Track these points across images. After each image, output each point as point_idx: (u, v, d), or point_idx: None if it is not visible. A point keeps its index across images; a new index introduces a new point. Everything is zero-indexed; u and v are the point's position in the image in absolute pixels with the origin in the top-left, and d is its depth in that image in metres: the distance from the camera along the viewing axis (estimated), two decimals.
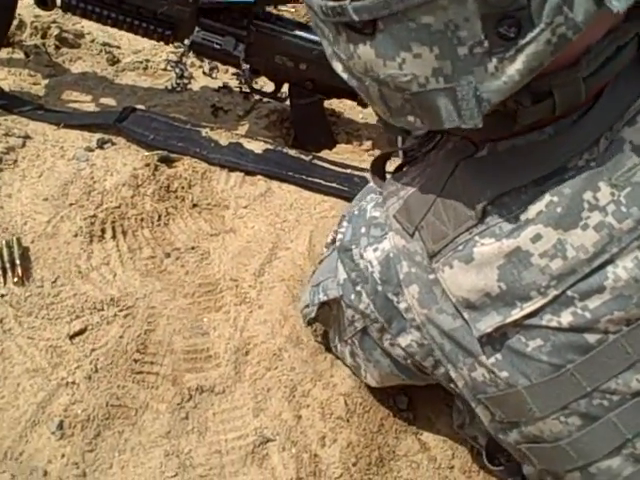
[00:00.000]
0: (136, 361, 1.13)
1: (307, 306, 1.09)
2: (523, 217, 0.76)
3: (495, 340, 0.79)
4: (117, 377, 1.11)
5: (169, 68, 1.69)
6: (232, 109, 1.61)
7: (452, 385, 0.89)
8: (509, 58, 0.67)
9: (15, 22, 1.65)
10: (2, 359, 1.11)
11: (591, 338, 0.75)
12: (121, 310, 1.19)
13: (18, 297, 1.18)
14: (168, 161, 1.43)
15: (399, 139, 0.97)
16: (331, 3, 0.71)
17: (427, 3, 0.65)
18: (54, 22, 1.69)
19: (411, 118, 0.76)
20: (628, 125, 0.75)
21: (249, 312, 1.22)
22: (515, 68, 0.67)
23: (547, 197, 0.75)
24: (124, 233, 1.30)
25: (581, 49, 0.71)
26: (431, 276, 0.81)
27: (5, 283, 1.19)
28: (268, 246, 1.31)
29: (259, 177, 1.44)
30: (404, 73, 0.71)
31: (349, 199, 1.40)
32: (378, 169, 0.98)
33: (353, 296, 0.93)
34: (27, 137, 1.45)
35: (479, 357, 0.80)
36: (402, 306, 0.85)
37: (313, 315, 1.07)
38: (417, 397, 1.14)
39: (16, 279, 1.19)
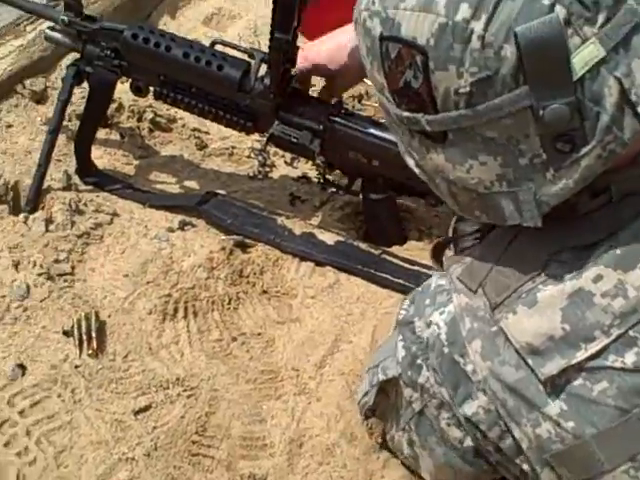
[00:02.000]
0: (194, 443, 1.17)
1: (365, 394, 1.10)
2: (584, 262, 0.80)
3: (559, 387, 0.80)
4: (175, 457, 1.15)
5: (253, 156, 1.78)
6: (309, 199, 1.67)
7: (517, 462, 0.88)
8: (565, 168, 0.76)
9: (115, 105, 1.76)
10: (70, 428, 1.17)
11: None
12: (185, 390, 1.24)
13: (91, 369, 1.24)
14: (243, 246, 1.49)
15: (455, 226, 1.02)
16: (406, 114, 0.80)
17: (492, 121, 0.75)
18: (150, 106, 1.79)
19: (477, 213, 0.85)
20: None
21: (307, 403, 1.25)
22: (570, 177, 0.76)
23: (606, 243, 0.80)
24: (195, 314, 1.36)
25: (637, 150, 0.79)
26: (493, 328, 0.84)
27: (80, 354, 1.26)
28: (331, 338, 1.35)
29: (329, 268, 1.48)
30: (471, 177, 0.80)
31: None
32: (438, 255, 1.05)
33: (410, 372, 0.95)
34: (115, 214, 1.53)
35: (543, 409, 0.81)
36: (469, 368, 0.87)
37: (371, 402, 1.07)
38: None
39: (91, 351, 1.26)
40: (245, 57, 1.53)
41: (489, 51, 0.71)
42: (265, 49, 1.50)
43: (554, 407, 0.80)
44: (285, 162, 1.78)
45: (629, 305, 0.77)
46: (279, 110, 1.52)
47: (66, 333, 1.28)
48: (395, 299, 1.44)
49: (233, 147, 1.79)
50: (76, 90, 1.60)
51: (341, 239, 1.54)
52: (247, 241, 1.51)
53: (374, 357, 1.10)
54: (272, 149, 1.79)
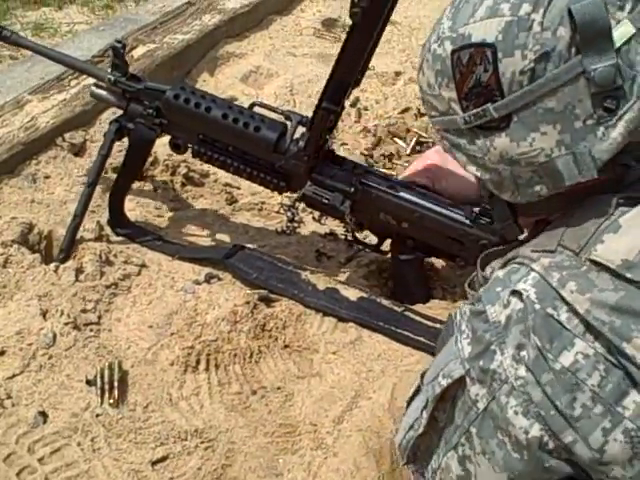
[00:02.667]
0: None
1: (412, 426, 1.07)
2: None
3: None
4: None
5: (282, 211, 1.81)
6: (335, 255, 1.70)
7: (619, 410, 0.88)
8: (612, 125, 0.90)
9: (150, 159, 1.82)
10: (88, 477, 1.18)
11: None
12: (203, 442, 1.25)
13: (111, 418, 1.26)
14: (267, 300, 1.52)
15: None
16: (474, 111, 0.95)
17: (552, 92, 0.90)
18: (184, 161, 1.85)
19: (537, 187, 0.97)
20: None
21: (324, 458, 1.25)
22: (618, 132, 0.90)
23: None
24: (217, 366, 1.38)
25: None
26: (583, 268, 0.90)
27: (102, 403, 1.28)
28: (351, 394, 1.35)
29: (351, 324, 1.49)
30: (534, 149, 0.93)
31: (434, 354, 1.43)
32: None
33: (482, 362, 0.95)
34: (143, 265, 1.57)
35: None
36: (563, 317, 0.89)
37: (422, 430, 1.05)
38: None
39: (112, 401, 1.28)
40: (282, 119, 1.58)
41: (547, 33, 0.88)
42: (300, 108, 1.55)
43: None
44: (313, 218, 1.80)
45: None
46: (312, 172, 1.56)
47: (89, 382, 1.30)
48: (416, 357, 1.44)
49: (262, 202, 1.83)
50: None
51: (364, 295, 1.56)
52: (271, 295, 1.53)
53: (427, 375, 1.07)
54: (301, 205, 1.83)
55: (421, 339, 1.46)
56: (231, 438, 1.27)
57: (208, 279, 1.57)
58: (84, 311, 1.43)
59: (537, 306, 0.92)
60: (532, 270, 0.94)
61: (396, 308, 1.54)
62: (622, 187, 0.96)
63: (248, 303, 1.49)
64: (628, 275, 0.87)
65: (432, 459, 1.09)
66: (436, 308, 1.57)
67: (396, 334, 1.47)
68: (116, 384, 1.30)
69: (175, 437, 1.25)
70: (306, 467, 1.24)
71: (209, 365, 1.38)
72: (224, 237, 1.71)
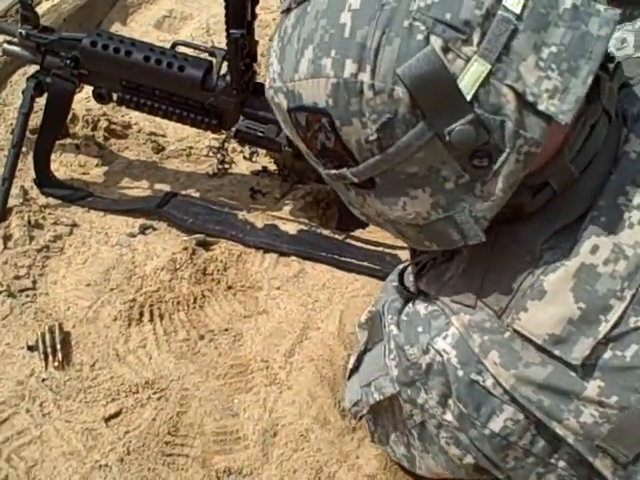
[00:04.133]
0: (167, 443, 1.17)
1: (356, 404, 1.07)
2: (575, 240, 0.80)
3: (592, 367, 0.79)
4: (148, 460, 1.14)
5: (211, 154, 1.77)
6: (270, 192, 1.67)
7: (552, 461, 0.86)
8: (489, 181, 0.77)
9: (69, 116, 1.75)
10: (41, 442, 1.16)
11: None
12: (155, 392, 1.23)
13: (58, 381, 1.24)
14: (206, 244, 1.49)
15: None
16: (333, 172, 0.83)
17: (407, 158, 0.76)
18: (104, 115, 1.78)
19: (427, 244, 0.86)
20: (625, 143, 0.83)
21: (278, 393, 1.25)
22: (497, 188, 0.77)
23: (589, 214, 0.81)
24: (161, 316, 1.35)
25: (558, 142, 0.79)
26: (506, 335, 0.82)
27: (47, 367, 1.25)
28: (299, 326, 1.35)
29: (293, 258, 1.48)
30: (408, 212, 0.81)
31: (381, 278, 1.43)
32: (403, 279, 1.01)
33: (409, 391, 0.93)
34: (74, 225, 1.53)
35: (582, 394, 0.79)
36: (489, 384, 0.84)
37: (364, 412, 1.06)
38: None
39: (56, 363, 1.25)
40: (206, 56, 1.53)
41: (383, 96, 0.73)
42: (216, 48, 1.51)
43: (592, 388, 0.79)
44: (244, 157, 1.77)
45: (632, 264, 0.78)
46: (243, 106, 1.52)
47: (31, 348, 1.27)
48: (361, 282, 1.44)
49: (190, 147, 1.79)
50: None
51: (304, 228, 1.54)
52: (209, 239, 1.50)
53: (362, 374, 1.06)
54: (230, 146, 1.79)
55: (364, 264, 1.46)
56: (183, 385, 1.25)
57: (143, 230, 1.53)
58: (17, 277, 1.38)
59: (460, 372, 0.86)
60: (452, 324, 0.87)
61: (337, 237, 1.52)
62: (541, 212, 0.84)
63: (186, 249, 1.47)
64: (556, 352, 0.79)
65: (381, 424, 1.08)
66: (376, 231, 1.56)
67: (339, 262, 1.47)
68: (59, 346, 1.27)
69: (126, 391, 1.23)
70: (262, 404, 1.23)
71: (153, 316, 1.35)
72: (155, 186, 1.67)
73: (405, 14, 0.70)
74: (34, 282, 1.39)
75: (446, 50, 0.71)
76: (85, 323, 1.33)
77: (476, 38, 0.70)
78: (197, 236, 1.50)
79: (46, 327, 1.29)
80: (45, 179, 1.60)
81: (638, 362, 0.77)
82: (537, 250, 0.82)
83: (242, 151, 1.78)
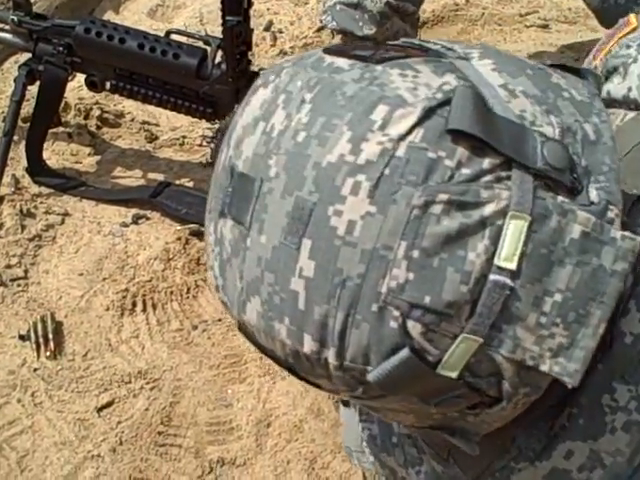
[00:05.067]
0: (160, 434, 1.16)
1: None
2: (551, 433, 0.73)
3: None
4: (141, 450, 1.14)
5: (205, 144, 1.76)
6: None
7: None
8: (483, 416, 0.65)
9: (61, 104, 1.74)
10: (32, 432, 1.15)
11: None
12: (148, 383, 1.23)
13: (50, 371, 1.23)
14: (199, 234, 1.48)
15: None
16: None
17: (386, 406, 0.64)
18: (96, 103, 1.77)
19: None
20: (623, 316, 0.70)
21: (272, 383, 1.24)
22: (492, 420, 0.66)
23: (567, 410, 0.72)
24: (154, 306, 1.34)
25: None
26: None
27: (38, 357, 1.25)
28: None
29: None
30: (391, 419, 0.72)
31: None
32: None
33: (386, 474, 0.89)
34: (66, 214, 1.51)
35: None
36: None
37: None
38: None
39: (48, 353, 1.24)
40: (201, 44, 1.51)
41: (354, 372, 0.58)
42: (211, 37, 1.50)
43: None
44: None
45: (609, 474, 0.72)
46: (238, 94, 1.51)
47: (22, 337, 1.26)
48: None
49: (184, 137, 1.77)
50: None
51: None
52: (203, 229, 1.49)
53: (346, 433, 1.02)
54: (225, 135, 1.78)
55: None
56: (176, 375, 1.24)
57: (136, 220, 1.52)
58: (9, 267, 1.37)
59: None
60: (423, 464, 0.81)
61: None
62: None
63: (180, 239, 1.46)
64: None
65: None
66: None
67: None
68: (51, 336, 1.26)
69: (119, 381, 1.23)
70: (255, 394, 1.23)
71: (146, 306, 1.34)
72: (148, 176, 1.65)
73: (372, 296, 0.55)
74: (26, 271, 1.38)
75: (427, 332, 0.56)
76: (77, 313, 1.32)
77: (464, 315, 0.56)
78: (191, 226, 1.49)
79: (38, 316, 1.28)
80: (37, 168, 1.59)
81: None
82: (509, 433, 0.73)
83: None
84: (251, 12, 1.42)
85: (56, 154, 1.67)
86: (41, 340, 1.25)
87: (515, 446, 0.74)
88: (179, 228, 1.49)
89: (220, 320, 1.33)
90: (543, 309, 0.57)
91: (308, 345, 0.58)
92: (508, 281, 0.55)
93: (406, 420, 0.69)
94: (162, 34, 1.54)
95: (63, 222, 1.49)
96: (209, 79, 1.49)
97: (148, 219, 1.52)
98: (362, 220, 0.53)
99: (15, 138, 1.59)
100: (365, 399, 0.62)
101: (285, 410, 1.20)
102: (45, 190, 1.56)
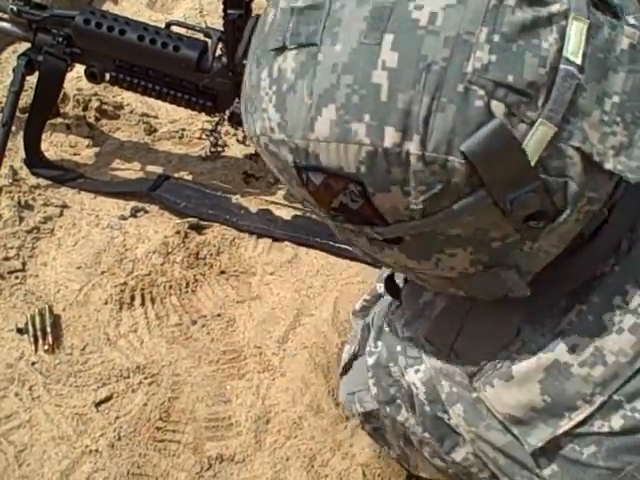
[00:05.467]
0: (158, 429, 1.16)
1: (352, 400, 1.06)
2: (557, 329, 0.76)
3: (549, 452, 0.77)
4: (139, 445, 1.13)
5: (204, 137, 1.74)
6: (264, 176, 1.65)
7: None
8: (542, 239, 0.68)
9: (60, 95, 1.72)
10: (30, 426, 1.15)
11: None
12: (146, 378, 1.22)
13: (48, 365, 1.22)
14: (198, 228, 1.47)
15: None
16: (347, 225, 0.70)
17: (454, 221, 0.65)
18: (95, 95, 1.75)
19: (452, 290, 0.77)
20: None
21: (271, 380, 1.23)
22: (550, 244, 0.69)
23: (577, 307, 0.75)
24: (152, 300, 1.34)
25: None
26: (474, 394, 0.80)
27: (36, 351, 1.24)
28: (293, 313, 1.33)
29: (287, 243, 1.46)
30: (441, 268, 0.71)
31: (374, 265, 1.42)
32: (392, 288, 0.95)
33: (389, 409, 0.92)
34: (65, 206, 1.50)
35: (535, 470, 0.78)
36: (453, 422, 0.83)
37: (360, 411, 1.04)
38: None
39: (46, 347, 1.24)
40: (201, 37, 1.50)
41: (434, 167, 0.62)
42: (212, 29, 1.49)
43: (545, 467, 0.78)
44: (237, 140, 1.74)
45: (610, 371, 0.74)
46: (239, 88, 1.49)
47: (20, 331, 1.25)
48: (356, 269, 1.42)
49: (183, 130, 1.76)
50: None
51: (298, 213, 1.52)
52: (202, 223, 1.49)
53: (348, 382, 1.05)
54: (224, 128, 1.76)
55: None
56: (175, 370, 1.24)
57: (134, 213, 1.51)
58: (6, 259, 1.36)
59: (427, 408, 0.85)
60: (424, 362, 0.84)
61: None
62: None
63: (179, 233, 1.45)
64: (514, 431, 0.78)
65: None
66: None
67: (334, 248, 1.45)
68: (49, 330, 1.25)
69: (117, 376, 1.22)
70: (255, 390, 1.22)
71: (144, 300, 1.34)
72: (146, 168, 1.64)
73: (458, 77, 0.59)
74: (24, 264, 1.37)
75: (510, 115, 0.61)
76: (75, 306, 1.31)
77: (541, 99, 0.61)
78: (190, 219, 1.48)
79: (36, 310, 1.27)
80: (35, 159, 1.57)
81: (593, 462, 0.75)
82: (516, 324, 0.77)
83: (235, 134, 1.75)
84: (252, 5, 1.41)
85: (54, 145, 1.66)
86: (39, 333, 1.24)
87: (519, 338, 0.77)
88: (178, 222, 1.48)
89: (219, 315, 1.33)
90: (604, 107, 0.63)
91: (390, 138, 0.61)
92: (576, 72, 0.61)
93: (460, 263, 0.71)
94: (162, 25, 1.54)
95: (61, 214, 1.48)
96: (209, 72, 1.48)
97: (147, 212, 1.51)
98: (443, 11, 0.59)
99: (13, 129, 1.58)
100: (432, 223, 0.65)
101: (284, 407, 1.19)
102: (43, 182, 1.55)
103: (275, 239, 1.47)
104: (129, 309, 1.32)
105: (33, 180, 1.54)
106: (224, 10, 1.38)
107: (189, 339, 1.29)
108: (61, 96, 1.72)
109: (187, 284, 1.37)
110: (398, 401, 0.90)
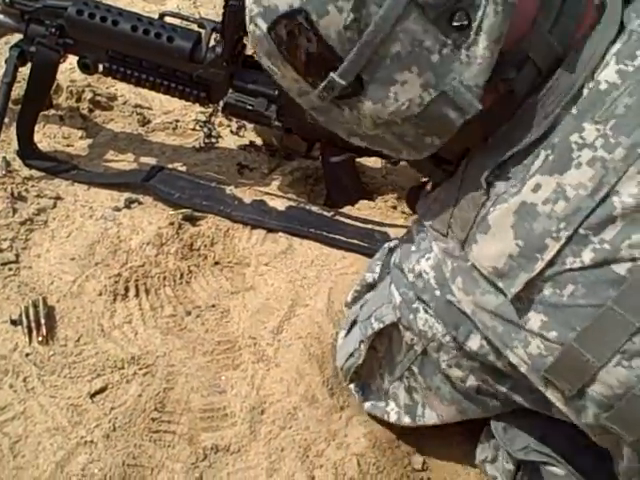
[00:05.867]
0: (154, 420, 1.15)
1: (351, 354, 1.10)
2: (524, 173, 0.82)
3: (533, 301, 0.82)
4: (134, 436, 1.13)
5: (198, 128, 1.74)
6: (257, 167, 1.65)
7: (518, 399, 0.90)
8: (473, 42, 0.79)
9: (53, 87, 1.71)
10: (24, 418, 1.14)
11: (620, 269, 0.77)
12: (141, 368, 1.22)
13: (42, 356, 1.22)
14: (192, 219, 1.47)
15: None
16: (322, 84, 0.84)
17: (389, 34, 0.78)
18: (88, 86, 1.75)
19: (429, 140, 0.87)
20: (601, 70, 0.81)
21: (266, 370, 1.23)
22: (482, 47, 0.79)
23: (542, 153, 0.82)
24: (147, 291, 1.33)
25: (532, 12, 0.82)
26: (468, 263, 0.87)
27: (30, 342, 1.23)
28: (287, 303, 1.33)
29: (281, 234, 1.46)
30: (402, 103, 0.83)
31: (369, 255, 1.41)
32: (412, 200, 1.05)
33: (411, 316, 0.96)
34: (58, 198, 1.50)
35: (527, 326, 0.82)
36: (457, 299, 0.89)
37: (361, 360, 1.08)
38: (432, 457, 1.14)
39: (40, 338, 1.23)
40: (195, 28, 1.50)
41: None
42: (206, 20, 1.48)
43: (535, 321, 0.82)
44: (231, 131, 1.75)
45: (571, 206, 0.79)
46: (233, 78, 1.49)
47: (14, 322, 1.25)
48: (350, 259, 1.42)
49: (177, 121, 1.76)
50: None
51: (292, 204, 1.52)
52: (196, 214, 1.48)
53: (362, 311, 1.10)
54: (217, 119, 1.76)
55: (353, 241, 1.45)
56: (170, 361, 1.24)
57: (128, 204, 1.50)
58: (0, 251, 1.36)
59: (437, 292, 0.92)
60: (433, 249, 0.93)
61: (325, 213, 1.51)
62: (514, 103, 0.86)
63: (172, 224, 1.45)
64: (499, 284, 0.83)
65: (376, 380, 1.11)
66: (365, 209, 1.55)
67: (327, 239, 1.45)
68: (43, 321, 1.24)
69: (112, 367, 1.22)
70: (249, 381, 1.22)
71: (139, 291, 1.33)
72: (140, 160, 1.64)
73: None
74: (17, 255, 1.37)
75: None
76: (69, 297, 1.31)
77: None
78: (183, 211, 1.48)
79: (30, 301, 1.27)
80: (28, 151, 1.57)
81: (573, 301, 0.79)
82: (486, 179, 0.84)
83: (229, 125, 1.76)
84: None
85: (47, 137, 1.65)
86: (33, 325, 1.24)
87: (493, 193, 0.84)
88: (172, 213, 1.47)
89: (214, 306, 1.32)
90: None
91: None
92: None
93: (413, 91, 0.81)
94: (155, 16, 1.53)
95: (55, 206, 1.48)
96: (203, 62, 1.47)
97: (141, 203, 1.51)
98: None
99: (6, 120, 1.57)
100: (371, 41, 0.78)
101: (279, 397, 1.19)
102: (37, 173, 1.54)
103: (269, 230, 1.47)
104: (123, 300, 1.32)
105: (26, 172, 1.54)
106: (225, 1, 1.37)
107: (183, 330, 1.29)
108: (54, 87, 1.72)
109: (181, 275, 1.36)
110: (415, 304, 0.95)
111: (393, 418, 1.10)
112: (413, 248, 0.97)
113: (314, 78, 0.85)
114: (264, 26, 0.84)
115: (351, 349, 1.10)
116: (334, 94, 0.84)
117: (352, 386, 1.15)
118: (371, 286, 1.13)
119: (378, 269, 1.13)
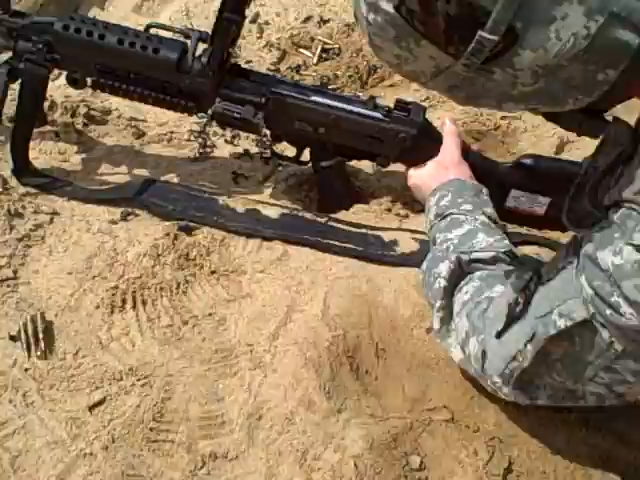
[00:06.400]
0: (152, 430, 1.16)
1: (514, 358, 1.00)
2: None
3: None
4: (133, 447, 1.14)
5: (192, 138, 1.76)
6: (252, 175, 1.66)
7: None
8: None
9: (47, 103, 1.73)
10: (24, 432, 1.16)
11: None
12: (139, 379, 1.23)
13: (41, 370, 1.23)
14: (188, 229, 1.48)
15: None
16: (470, 48, 0.77)
17: None
18: (83, 101, 1.77)
19: (601, 76, 0.80)
20: None
21: (263, 376, 1.24)
22: None
23: None
24: (144, 303, 1.35)
25: None
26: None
27: (29, 357, 1.25)
28: (283, 310, 1.34)
29: (276, 241, 1.47)
30: (565, 40, 0.75)
31: (364, 259, 1.43)
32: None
33: (609, 311, 0.87)
34: (55, 213, 1.51)
35: None
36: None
37: (526, 364, 0.99)
38: (429, 457, 1.14)
39: (39, 353, 1.25)
40: (181, 38, 1.52)
41: None
42: (191, 29, 1.50)
43: None
44: (225, 141, 1.76)
45: None
46: (219, 87, 1.50)
47: (13, 338, 1.26)
48: (345, 264, 1.43)
49: (171, 132, 1.78)
50: None
51: (286, 212, 1.53)
52: (192, 224, 1.49)
53: (535, 308, 0.99)
54: (212, 129, 1.77)
55: (347, 245, 1.45)
56: (167, 371, 1.25)
57: (124, 217, 1.52)
58: None
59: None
60: None
61: (319, 219, 1.52)
62: None
63: (168, 235, 1.46)
64: None
65: (554, 382, 1.03)
66: (359, 212, 1.56)
67: (322, 244, 1.46)
68: (41, 336, 1.26)
69: (110, 379, 1.23)
70: (247, 388, 1.23)
71: (136, 303, 1.34)
72: (136, 172, 1.65)
73: None
74: (15, 272, 1.38)
75: None
76: (67, 312, 1.32)
77: None
78: (179, 221, 1.49)
79: (28, 317, 1.28)
80: (23, 169, 1.57)
81: None
82: None
83: (224, 135, 1.77)
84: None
85: (43, 153, 1.67)
86: (32, 340, 1.25)
87: None
88: (167, 224, 1.49)
89: (210, 315, 1.33)
90: None
91: None
92: None
93: (576, 24, 0.74)
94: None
95: (52, 221, 1.49)
96: (190, 72, 1.49)
97: (137, 216, 1.52)
98: None
99: (2, 138, 1.60)
100: None
101: (276, 403, 1.20)
102: (33, 190, 1.55)
103: (264, 238, 1.47)
104: (121, 312, 1.33)
105: (23, 188, 1.55)
106: (221, 10, 1.39)
107: (181, 339, 1.30)
108: (49, 103, 1.74)
109: (178, 285, 1.38)
110: (614, 298, 0.86)
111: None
112: (617, 234, 0.86)
113: (457, 45, 0.78)
114: (390, 5, 0.78)
115: (513, 352, 1.00)
116: (483, 56, 0.77)
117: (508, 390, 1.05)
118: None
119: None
